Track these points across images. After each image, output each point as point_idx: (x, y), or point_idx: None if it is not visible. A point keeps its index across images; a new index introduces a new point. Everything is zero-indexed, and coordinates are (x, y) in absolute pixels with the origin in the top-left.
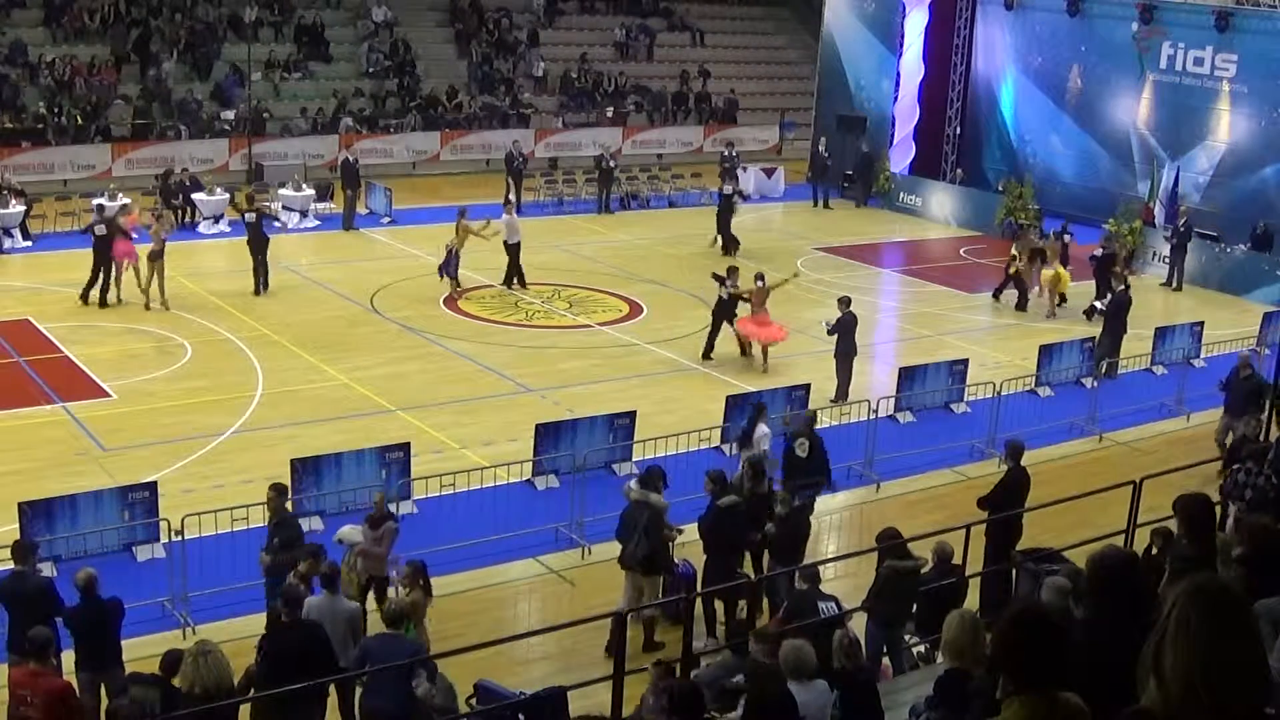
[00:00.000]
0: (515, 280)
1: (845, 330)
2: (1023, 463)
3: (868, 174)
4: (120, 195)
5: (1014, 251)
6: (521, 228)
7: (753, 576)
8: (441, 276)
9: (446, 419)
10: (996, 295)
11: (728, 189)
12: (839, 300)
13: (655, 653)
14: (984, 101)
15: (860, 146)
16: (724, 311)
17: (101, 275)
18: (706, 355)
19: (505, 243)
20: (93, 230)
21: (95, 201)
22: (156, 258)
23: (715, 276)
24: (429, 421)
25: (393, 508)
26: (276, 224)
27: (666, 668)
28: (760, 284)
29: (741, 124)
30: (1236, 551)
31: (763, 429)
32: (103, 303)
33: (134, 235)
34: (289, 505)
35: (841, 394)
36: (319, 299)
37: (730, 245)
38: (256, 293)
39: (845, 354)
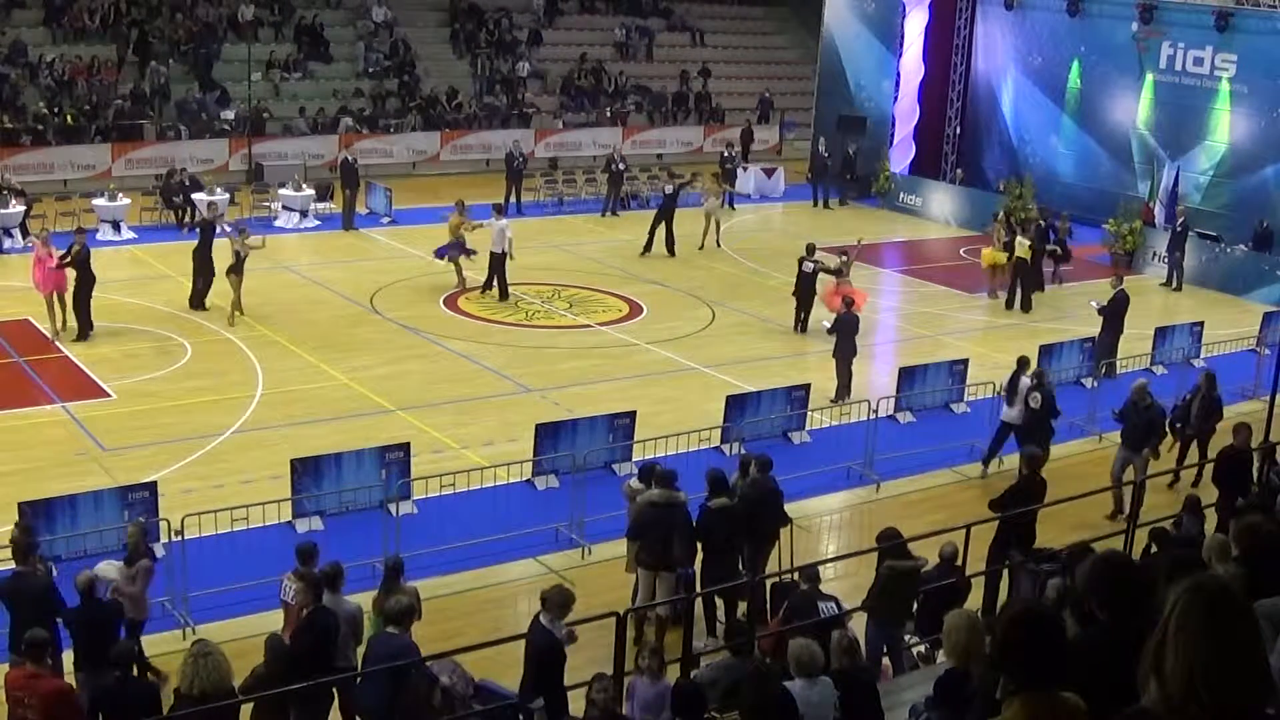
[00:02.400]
0: (498, 290)
1: (845, 330)
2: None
3: (843, 173)
4: (120, 195)
5: (1019, 240)
6: (508, 239)
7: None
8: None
9: (446, 419)
10: (1009, 304)
11: (669, 188)
12: (841, 300)
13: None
14: (984, 101)
15: (845, 148)
16: (808, 286)
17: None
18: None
19: (491, 252)
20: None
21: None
22: (236, 271)
23: (807, 254)
24: (429, 421)
25: (392, 508)
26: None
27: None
28: (845, 258)
29: (741, 124)
30: (1234, 552)
31: (1025, 381)
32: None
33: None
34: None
35: (843, 393)
36: (319, 299)
37: (649, 247)
38: (199, 306)
39: (845, 354)
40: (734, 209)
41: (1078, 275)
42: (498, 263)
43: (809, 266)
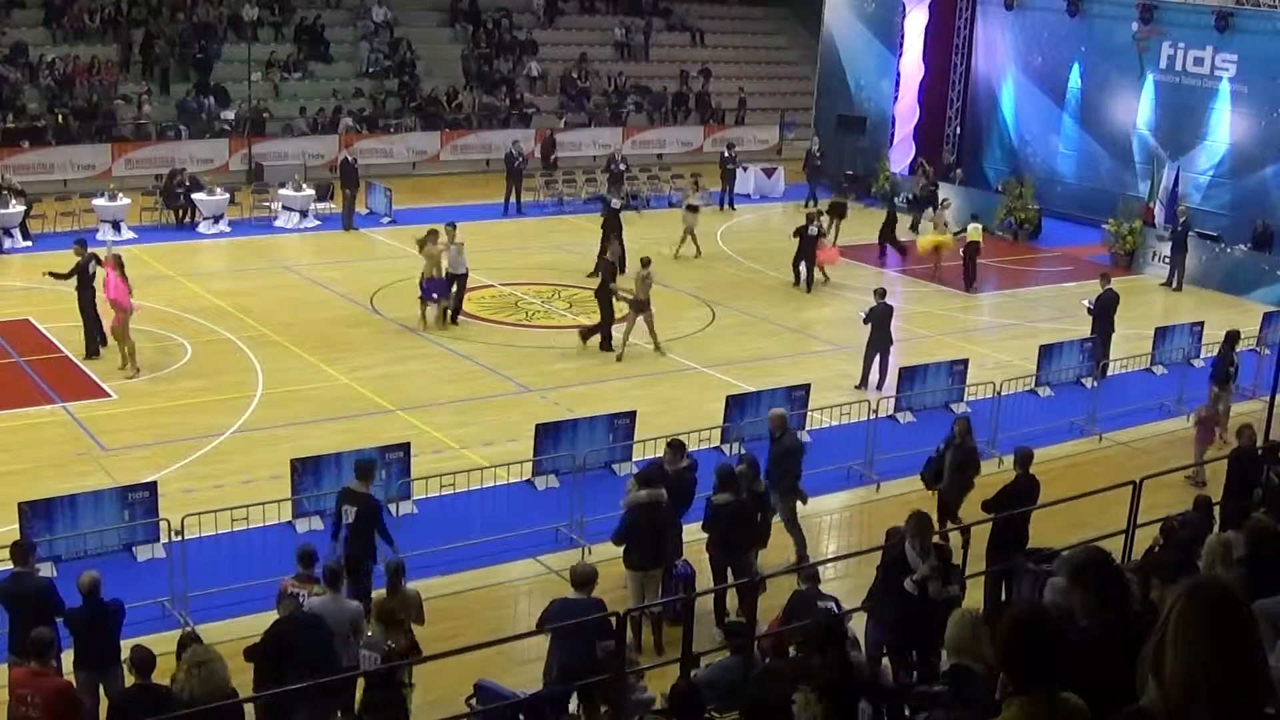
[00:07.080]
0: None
1: (878, 321)
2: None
3: (818, 173)
4: (120, 195)
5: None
6: (467, 260)
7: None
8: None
9: (446, 419)
10: (969, 285)
11: (616, 202)
12: (875, 291)
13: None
14: (984, 101)
15: (812, 149)
16: (810, 248)
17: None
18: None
19: (449, 273)
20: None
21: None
22: (643, 308)
23: (807, 223)
24: (429, 421)
25: (392, 508)
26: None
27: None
28: (824, 218)
29: (742, 124)
30: (1239, 553)
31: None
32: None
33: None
34: None
35: (874, 383)
36: (319, 299)
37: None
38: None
39: (879, 344)
40: (734, 209)
41: (1077, 275)
42: (458, 284)
43: (813, 230)
